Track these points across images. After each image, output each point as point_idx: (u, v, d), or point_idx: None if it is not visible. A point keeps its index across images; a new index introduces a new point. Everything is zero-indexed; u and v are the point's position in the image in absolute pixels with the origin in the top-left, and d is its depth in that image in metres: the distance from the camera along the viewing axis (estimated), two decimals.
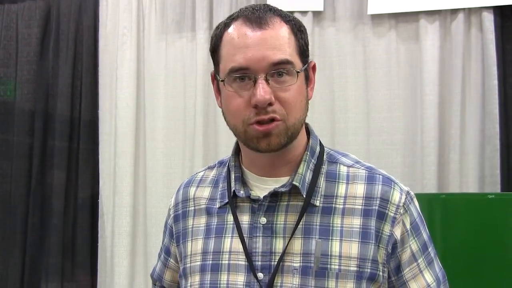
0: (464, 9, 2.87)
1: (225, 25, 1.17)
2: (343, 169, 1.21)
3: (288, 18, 1.16)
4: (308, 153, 1.21)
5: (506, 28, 2.86)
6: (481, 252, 2.24)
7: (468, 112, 2.87)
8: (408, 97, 2.97)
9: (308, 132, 1.25)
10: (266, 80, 1.10)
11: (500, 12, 2.85)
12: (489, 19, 2.82)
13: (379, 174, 1.20)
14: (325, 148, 1.25)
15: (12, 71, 3.47)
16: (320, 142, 1.25)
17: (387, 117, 2.97)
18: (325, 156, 1.23)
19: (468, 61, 2.89)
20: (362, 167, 1.21)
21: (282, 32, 1.13)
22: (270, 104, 1.10)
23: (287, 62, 1.11)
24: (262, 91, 1.09)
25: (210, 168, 1.35)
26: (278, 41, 1.11)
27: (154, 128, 3.27)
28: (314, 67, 1.22)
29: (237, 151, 1.27)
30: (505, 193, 2.68)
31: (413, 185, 2.82)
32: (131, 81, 3.29)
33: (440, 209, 2.39)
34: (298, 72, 1.12)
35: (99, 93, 3.36)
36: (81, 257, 3.31)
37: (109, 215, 3.28)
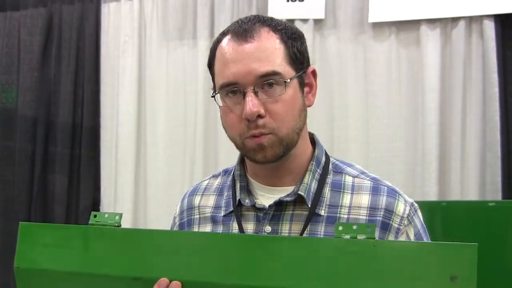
0: (465, 17, 2.88)
1: (218, 40, 1.19)
2: (349, 179, 1.21)
3: (279, 27, 1.16)
4: (314, 163, 1.21)
5: (507, 36, 2.86)
6: (482, 260, 2.23)
7: (469, 120, 2.87)
8: (408, 105, 2.98)
9: (314, 142, 1.26)
10: (255, 93, 1.11)
11: (501, 20, 2.85)
12: (490, 27, 2.83)
13: (384, 185, 1.20)
14: (330, 158, 1.26)
15: (14, 78, 3.48)
16: (325, 152, 1.26)
17: (387, 124, 2.97)
18: (330, 166, 1.23)
19: (469, 68, 2.89)
20: (367, 178, 1.21)
21: (269, 43, 1.13)
22: (261, 116, 1.11)
23: (274, 73, 1.11)
24: (250, 104, 1.10)
25: (215, 176, 1.35)
26: (264, 53, 1.12)
27: (155, 135, 3.28)
28: (314, 73, 1.22)
29: (242, 160, 1.27)
30: (506, 201, 2.67)
31: (413, 192, 2.82)
32: (132, 88, 3.30)
33: (441, 217, 2.39)
34: (286, 82, 1.12)
35: (100, 100, 3.38)
36: None
37: None
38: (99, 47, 3.40)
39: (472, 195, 2.80)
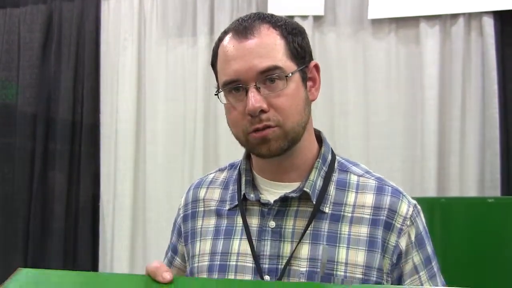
0: (464, 13, 2.88)
1: (219, 39, 1.20)
2: (354, 178, 1.22)
3: (279, 23, 1.17)
4: (320, 160, 1.22)
5: (506, 32, 2.87)
6: (481, 256, 2.25)
7: (468, 117, 2.88)
8: (408, 102, 2.98)
9: (321, 140, 1.27)
10: (257, 89, 1.12)
11: (500, 17, 2.86)
12: (489, 24, 2.84)
13: (388, 186, 1.21)
14: (336, 157, 1.26)
15: (14, 75, 3.48)
16: (332, 150, 1.27)
17: (387, 121, 2.98)
18: (336, 164, 1.24)
19: (468, 65, 2.90)
20: (372, 178, 1.22)
21: (269, 38, 1.14)
22: (263, 111, 1.12)
23: (274, 68, 1.12)
24: (253, 99, 1.11)
25: (221, 170, 1.36)
26: (265, 49, 1.13)
27: (155, 132, 3.28)
28: (317, 67, 1.24)
29: (248, 155, 1.28)
30: (505, 197, 2.69)
31: (412, 189, 2.83)
32: (132, 85, 3.30)
33: (440, 213, 2.40)
34: (287, 76, 1.13)
35: (100, 97, 3.38)
36: (82, 260, 3.32)
37: (109, 218, 3.29)
38: (99, 44, 3.40)
39: (471, 192, 2.81)
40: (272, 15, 1.19)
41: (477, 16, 2.87)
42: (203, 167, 3.12)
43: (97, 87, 3.39)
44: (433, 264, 1.22)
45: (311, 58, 1.22)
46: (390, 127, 2.98)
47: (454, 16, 2.91)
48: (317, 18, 3.08)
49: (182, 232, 1.32)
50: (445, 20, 2.94)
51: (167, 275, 1.02)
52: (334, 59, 3.06)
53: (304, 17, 3.06)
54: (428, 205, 2.40)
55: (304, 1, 3.07)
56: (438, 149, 2.88)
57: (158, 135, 3.28)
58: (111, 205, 3.29)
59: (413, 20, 2.97)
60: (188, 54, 3.29)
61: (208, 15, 3.24)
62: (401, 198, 1.19)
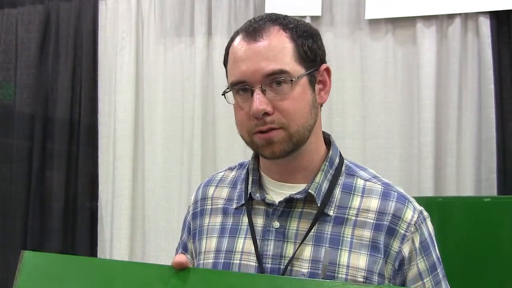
0: (460, 14, 2.90)
1: (231, 39, 1.22)
2: (360, 182, 1.23)
3: (290, 25, 1.18)
4: (327, 163, 1.23)
5: (502, 32, 2.88)
6: (478, 255, 2.25)
7: (465, 116, 2.89)
8: (405, 101, 3.00)
9: (329, 143, 1.28)
10: (263, 91, 1.13)
11: (496, 17, 2.87)
12: (485, 24, 2.85)
13: (395, 191, 1.21)
14: (344, 161, 1.27)
15: (12, 75, 3.48)
16: (340, 154, 1.28)
17: (384, 121, 2.99)
18: (343, 168, 1.25)
19: (464, 65, 2.91)
20: (379, 183, 1.23)
21: (277, 41, 1.15)
22: (268, 114, 1.13)
23: (280, 72, 1.13)
24: (257, 102, 1.12)
25: (231, 169, 1.38)
26: (272, 52, 1.14)
27: (153, 132, 3.29)
28: (328, 70, 1.24)
29: (257, 155, 1.29)
30: (501, 197, 2.69)
31: (409, 188, 2.84)
32: (130, 85, 3.31)
33: (437, 213, 2.40)
34: (293, 80, 1.14)
35: (98, 97, 3.38)
36: None
37: (107, 218, 3.29)
38: (96, 44, 3.40)
39: (468, 191, 2.82)
40: (285, 17, 1.20)
41: (474, 16, 2.88)
42: (201, 167, 3.12)
43: (95, 87, 3.39)
44: (438, 270, 1.23)
45: (323, 61, 1.22)
46: (387, 127, 2.99)
47: (451, 17, 2.92)
48: (314, 19, 3.09)
49: (191, 230, 1.35)
50: (442, 20, 2.95)
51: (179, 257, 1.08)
52: (331, 59, 3.06)
53: (301, 18, 3.05)
54: (425, 204, 2.38)
55: (301, 2, 3.08)
56: (435, 149, 2.89)
57: (156, 134, 3.28)
58: (109, 204, 3.30)
59: (410, 20, 2.98)
60: (186, 54, 3.29)
61: (206, 15, 3.24)
62: (406, 204, 1.19)
